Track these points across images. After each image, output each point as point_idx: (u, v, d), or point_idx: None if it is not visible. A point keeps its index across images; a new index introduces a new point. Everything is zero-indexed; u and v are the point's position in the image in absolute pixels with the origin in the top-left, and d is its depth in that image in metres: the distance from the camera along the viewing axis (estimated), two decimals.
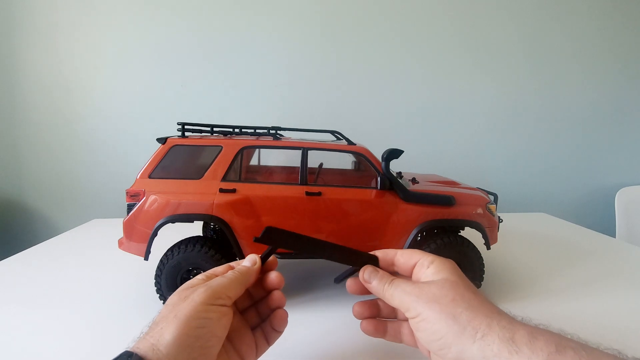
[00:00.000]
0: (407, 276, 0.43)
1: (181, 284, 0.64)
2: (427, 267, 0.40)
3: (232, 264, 0.45)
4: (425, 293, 0.37)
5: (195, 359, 0.33)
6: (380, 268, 0.43)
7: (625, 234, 1.42)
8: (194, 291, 0.37)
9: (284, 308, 0.45)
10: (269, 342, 0.44)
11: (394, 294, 0.40)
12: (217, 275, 0.42)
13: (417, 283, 0.40)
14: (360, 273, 0.43)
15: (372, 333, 0.45)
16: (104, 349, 0.55)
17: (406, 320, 0.44)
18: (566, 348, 0.30)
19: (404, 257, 0.43)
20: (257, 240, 0.40)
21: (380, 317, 0.46)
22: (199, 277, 0.41)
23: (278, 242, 0.41)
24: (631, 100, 1.58)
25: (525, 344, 0.31)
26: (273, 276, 0.44)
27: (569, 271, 0.86)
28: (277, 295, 0.45)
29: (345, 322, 0.62)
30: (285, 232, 0.41)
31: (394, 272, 0.44)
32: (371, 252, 0.44)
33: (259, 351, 0.43)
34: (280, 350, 0.53)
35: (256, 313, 0.45)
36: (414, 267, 0.42)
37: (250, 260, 0.44)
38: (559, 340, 0.31)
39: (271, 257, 0.45)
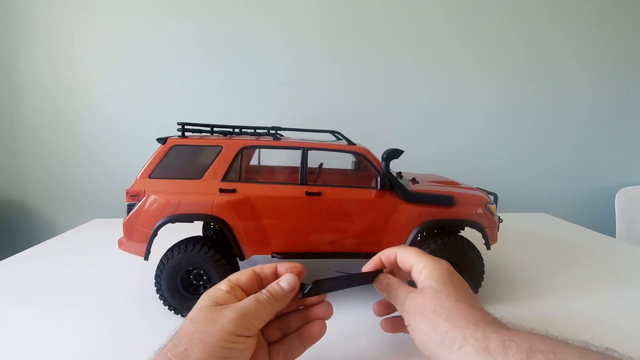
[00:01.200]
0: (407, 275, 0.46)
1: (181, 284, 0.64)
2: (420, 272, 0.43)
3: (257, 270, 0.43)
4: (412, 305, 0.41)
5: None
6: (384, 270, 0.47)
7: (625, 234, 1.42)
8: (222, 313, 0.35)
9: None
10: (287, 358, 0.41)
11: (395, 301, 0.44)
12: (241, 287, 0.40)
13: (409, 292, 0.42)
14: (376, 285, 0.47)
15: (391, 330, 0.48)
16: (104, 349, 0.55)
17: None
18: (535, 352, 0.31)
19: (402, 257, 0.46)
20: (304, 296, 0.41)
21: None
22: (222, 287, 0.39)
23: (324, 290, 0.42)
24: (631, 100, 1.58)
25: (499, 353, 0.32)
26: (325, 307, 0.44)
27: (569, 271, 0.86)
28: (324, 306, 0.44)
29: (348, 322, 0.62)
30: (329, 280, 0.42)
31: (397, 270, 0.48)
32: (377, 253, 0.48)
33: None
34: None
35: (279, 328, 0.43)
36: (411, 269, 0.45)
37: (288, 284, 0.41)
38: (530, 345, 0.32)
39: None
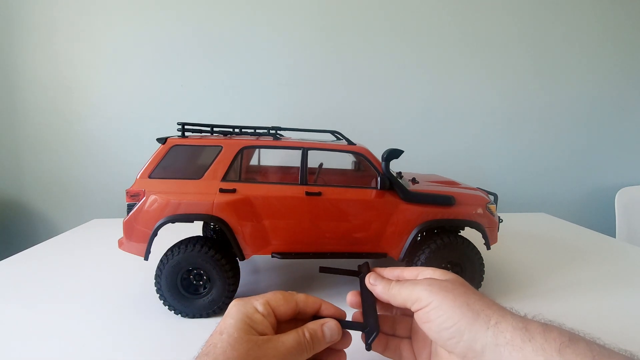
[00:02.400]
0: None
1: (181, 284, 0.64)
2: (432, 273, 0.41)
3: (300, 303, 0.40)
4: (438, 285, 0.37)
5: None
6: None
7: (625, 234, 1.42)
8: (265, 352, 0.33)
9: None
10: None
11: (400, 289, 0.40)
12: (277, 315, 0.38)
13: (428, 278, 0.40)
14: (367, 279, 0.44)
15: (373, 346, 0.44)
16: (104, 349, 0.55)
17: (407, 337, 0.44)
18: (579, 340, 0.30)
19: (408, 271, 0.44)
20: (369, 348, 0.39)
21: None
22: (260, 308, 0.37)
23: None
24: (631, 101, 1.58)
25: (539, 334, 0.31)
26: (346, 340, 0.41)
27: (569, 271, 0.86)
28: (340, 356, 0.41)
29: None
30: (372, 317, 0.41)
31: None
32: (378, 270, 0.47)
33: None
34: None
35: None
36: (417, 276, 0.43)
37: (332, 333, 0.39)
38: (572, 334, 0.31)
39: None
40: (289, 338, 0.36)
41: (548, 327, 0.32)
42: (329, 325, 0.39)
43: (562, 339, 0.30)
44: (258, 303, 0.38)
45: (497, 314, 0.34)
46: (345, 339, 0.41)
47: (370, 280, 0.44)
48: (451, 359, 0.37)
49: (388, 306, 0.45)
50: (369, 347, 0.38)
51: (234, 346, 0.33)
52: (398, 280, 0.42)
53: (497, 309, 0.34)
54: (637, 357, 0.30)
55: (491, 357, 0.32)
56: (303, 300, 0.41)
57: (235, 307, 0.37)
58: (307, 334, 0.37)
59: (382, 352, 0.44)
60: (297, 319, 0.41)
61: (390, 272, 0.45)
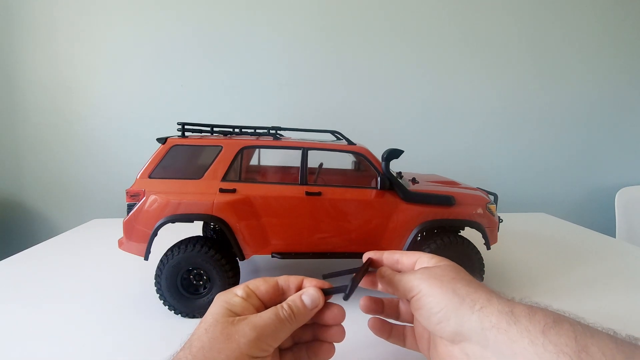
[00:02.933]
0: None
1: (181, 284, 0.64)
2: (428, 260, 0.43)
3: (282, 282, 0.40)
4: (428, 272, 0.39)
5: None
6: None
7: (625, 234, 1.42)
8: (239, 329, 0.33)
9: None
10: None
11: (400, 279, 0.41)
12: (259, 296, 0.37)
13: (422, 268, 0.42)
14: (378, 273, 0.45)
15: (377, 331, 0.46)
16: (104, 349, 0.55)
17: (410, 323, 0.45)
18: (563, 321, 0.31)
19: (406, 256, 0.45)
20: (347, 298, 0.37)
21: (384, 314, 0.47)
22: (239, 292, 0.37)
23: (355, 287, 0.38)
24: (631, 101, 1.58)
25: (524, 316, 0.32)
26: (336, 311, 0.40)
27: (569, 271, 0.86)
28: (337, 331, 0.41)
29: (345, 322, 0.62)
30: (354, 278, 0.40)
31: (397, 271, 0.46)
32: (378, 252, 0.48)
33: None
34: None
35: (292, 335, 0.39)
36: (415, 263, 0.44)
37: (312, 300, 0.38)
38: (556, 315, 0.32)
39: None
40: (267, 313, 0.35)
41: (533, 309, 0.32)
42: (308, 292, 0.38)
43: (547, 320, 0.31)
44: (237, 288, 0.38)
45: (482, 298, 0.35)
46: (334, 311, 0.40)
47: (382, 273, 0.44)
48: (445, 343, 0.38)
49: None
50: (346, 297, 0.37)
51: (208, 330, 0.33)
52: (398, 273, 0.43)
53: (483, 294, 0.35)
54: (619, 334, 0.31)
55: (478, 340, 0.33)
56: (284, 279, 0.41)
57: (216, 298, 0.37)
58: (285, 306, 0.36)
59: (387, 338, 0.46)
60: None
61: (390, 255, 0.46)
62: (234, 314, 0.35)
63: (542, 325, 0.30)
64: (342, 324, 0.42)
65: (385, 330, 0.45)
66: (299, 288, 0.41)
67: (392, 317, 0.47)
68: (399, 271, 0.45)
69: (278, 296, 0.40)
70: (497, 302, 0.34)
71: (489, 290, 0.37)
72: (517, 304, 0.34)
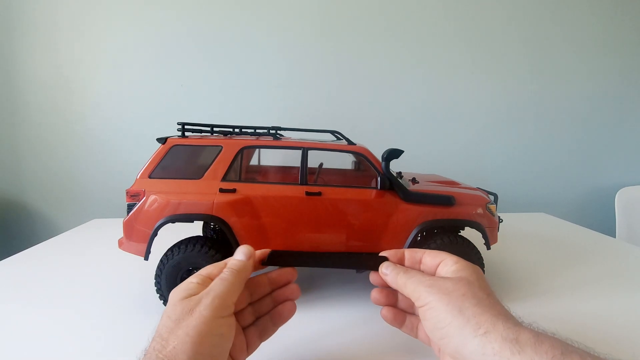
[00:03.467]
0: (430, 274, 0.43)
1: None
2: (451, 266, 0.41)
3: (227, 260, 0.43)
4: (438, 285, 0.38)
5: None
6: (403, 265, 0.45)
7: (625, 234, 1.42)
8: (199, 302, 0.35)
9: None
10: (262, 338, 0.43)
11: (406, 282, 0.40)
12: (212, 278, 0.39)
13: (434, 277, 0.41)
14: (380, 268, 0.44)
15: (391, 321, 0.46)
16: (103, 349, 0.55)
17: None
18: (571, 353, 0.29)
19: (430, 256, 0.44)
20: (264, 264, 0.43)
21: (398, 307, 0.47)
22: (193, 280, 0.39)
23: (284, 262, 0.44)
24: (631, 100, 1.58)
25: (530, 346, 0.30)
26: (285, 271, 0.45)
27: (569, 271, 0.86)
28: (291, 288, 0.45)
29: (347, 322, 0.62)
30: (287, 253, 0.45)
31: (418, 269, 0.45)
32: (399, 250, 0.46)
33: (250, 350, 0.42)
34: (281, 351, 0.53)
35: (252, 313, 0.44)
36: (438, 265, 0.42)
37: (245, 254, 0.42)
38: (565, 346, 0.30)
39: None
40: (213, 281, 0.38)
41: (540, 338, 0.31)
42: (238, 250, 0.43)
43: (554, 351, 0.29)
44: (192, 277, 0.40)
45: (488, 322, 0.33)
46: (293, 288, 0.45)
47: (382, 270, 0.44)
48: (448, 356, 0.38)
49: None
50: (263, 263, 0.44)
51: (170, 315, 0.35)
52: (407, 270, 0.42)
53: (489, 316, 0.34)
54: None
55: None
56: (229, 258, 0.43)
57: (172, 292, 0.39)
58: (225, 270, 0.40)
59: (400, 327, 0.46)
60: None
61: (412, 254, 0.45)
62: (191, 296, 0.37)
63: (550, 358, 0.29)
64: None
65: (398, 320, 0.46)
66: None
67: (407, 310, 0.46)
68: (419, 270, 0.44)
69: None
70: (502, 328, 0.32)
71: (498, 310, 0.35)
72: (523, 329, 0.32)
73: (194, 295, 0.37)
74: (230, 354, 0.38)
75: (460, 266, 0.41)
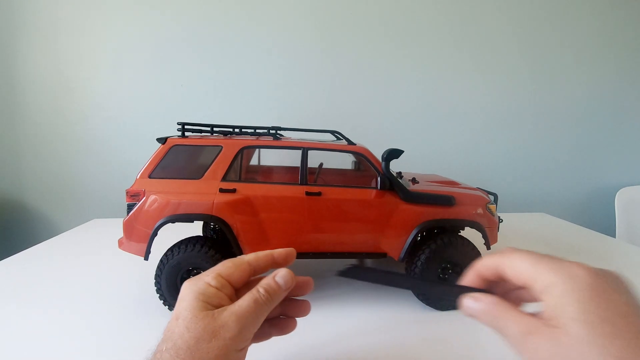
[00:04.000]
0: (519, 288, 0.31)
1: (181, 284, 0.64)
2: (547, 294, 0.27)
3: (252, 262, 0.38)
4: (536, 351, 0.25)
5: None
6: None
7: (625, 234, 1.42)
8: (222, 323, 0.32)
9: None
10: (255, 341, 0.39)
11: (503, 335, 0.28)
12: (232, 282, 0.36)
13: (530, 332, 0.26)
14: (466, 301, 0.31)
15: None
16: (103, 349, 0.55)
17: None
18: None
19: (511, 270, 0.30)
20: (340, 274, 0.35)
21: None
22: (212, 282, 0.35)
23: (363, 278, 0.36)
24: (631, 100, 1.58)
25: None
26: (304, 284, 0.40)
27: None
28: (305, 305, 0.41)
29: (350, 322, 0.62)
30: (371, 270, 0.37)
31: (501, 284, 0.32)
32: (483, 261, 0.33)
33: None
34: (283, 351, 0.53)
35: None
36: (529, 287, 0.29)
37: (285, 282, 0.37)
38: None
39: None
40: (245, 300, 0.34)
41: None
42: (281, 274, 0.37)
43: None
44: (209, 277, 0.36)
45: None
46: (305, 285, 0.40)
47: (469, 304, 0.30)
48: None
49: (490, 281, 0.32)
50: (338, 274, 0.35)
51: (189, 327, 0.32)
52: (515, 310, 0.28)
53: None
54: None
55: None
56: (253, 258, 0.39)
57: (187, 289, 0.35)
58: (261, 290, 0.35)
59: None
60: (254, 281, 0.38)
61: (493, 264, 0.31)
62: (211, 307, 0.33)
63: None
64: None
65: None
66: (270, 262, 0.40)
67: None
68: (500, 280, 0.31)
69: (250, 276, 0.39)
70: None
71: None
72: None
73: (214, 304, 0.33)
74: None
75: (558, 297, 0.25)
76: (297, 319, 0.42)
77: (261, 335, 0.40)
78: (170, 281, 0.62)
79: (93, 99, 1.36)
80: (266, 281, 0.37)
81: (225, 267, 0.37)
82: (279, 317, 0.41)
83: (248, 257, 0.39)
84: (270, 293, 0.36)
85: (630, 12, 1.52)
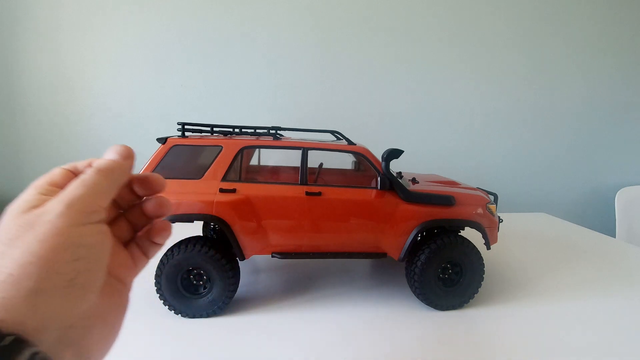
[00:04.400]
0: None
1: (181, 284, 0.64)
2: None
3: (70, 168, 0.29)
4: None
5: (72, 308, 0.23)
6: None
7: (625, 234, 1.42)
8: (41, 212, 0.24)
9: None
10: (147, 255, 0.34)
11: None
12: (62, 187, 0.27)
13: None
14: None
15: None
16: None
17: None
18: None
19: None
20: None
21: None
22: (32, 191, 0.27)
23: None
24: (631, 100, 1.58)
25: None
26: (154, 178, 0.33)
27: (569, 271, 0.86)
28: (159, 200, 0.34)
29: (350, 322, 0.62)
30: None
31: None
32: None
33: (139, 267, 0.34)
34: (283, 351, 0.53)
35: (127, 224, 0.34)
36: None
37: (120, 153, 0.30)
38: None
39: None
40: (71, 184, 0.27)
41: None
42: (111, 148, 0.30)
43: None
44: (27, 191, 0.28)
45: None
46: (156, 182, 0.33)
47: None
48: None
49: None
50: None
51: (2, 240, 0.24)
52: None
53: None
54: None
55: None
56: (71, 164, 0.29)
57: (6, 212, 0.27)
58: (87, 170, 0.28)
59: None
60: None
61: None
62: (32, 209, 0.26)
63: None
64: None
65: None
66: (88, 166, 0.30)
67: None
68: None
69: (70, 179, 0.29)
70: None
71: None
72: None
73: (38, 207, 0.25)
74: (112, 273, 0.30)
75: None
76: (170, 227, 0.34)
77: (147, 248, 0.34)
78: (171, 281, 0.62)
79: (94, 99, 1.36)
80: (96, 162, 0.29)
81: (49, 174, 0.29)
82: (141, 236, 0.35)
83: (88, 160, 0.30)
84: (100, 167, 0.28)
85: (630, 12, 1.52)
